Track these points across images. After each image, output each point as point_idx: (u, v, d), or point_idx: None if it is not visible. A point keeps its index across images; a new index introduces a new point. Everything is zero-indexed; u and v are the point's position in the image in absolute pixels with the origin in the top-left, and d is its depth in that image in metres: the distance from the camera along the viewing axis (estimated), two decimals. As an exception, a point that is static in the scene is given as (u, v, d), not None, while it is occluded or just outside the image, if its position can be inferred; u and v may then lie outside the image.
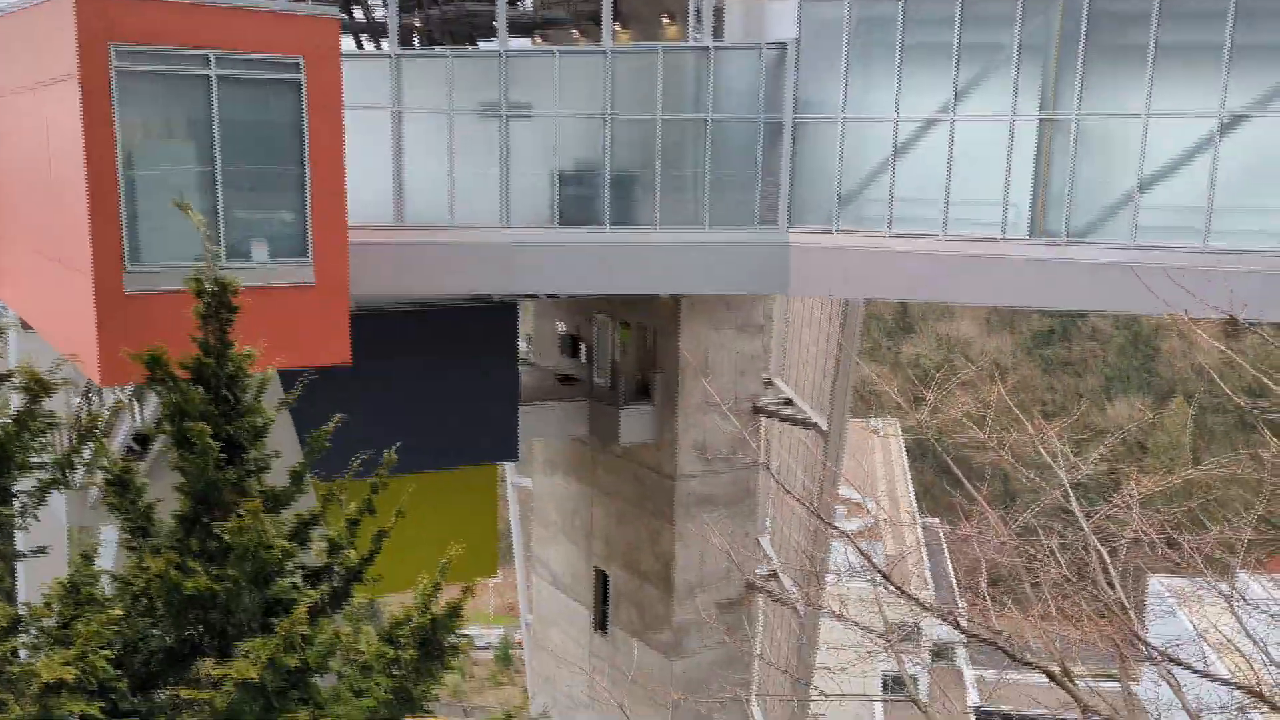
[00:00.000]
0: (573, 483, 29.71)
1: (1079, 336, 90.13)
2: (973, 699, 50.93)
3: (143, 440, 17.93)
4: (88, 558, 7.57)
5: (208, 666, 7.00)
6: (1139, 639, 9.28)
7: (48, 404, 7.96)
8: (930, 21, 19.06)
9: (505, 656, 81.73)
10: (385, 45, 26.47)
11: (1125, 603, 9.39)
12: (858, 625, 11.48)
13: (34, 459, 7.67)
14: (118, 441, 18.10)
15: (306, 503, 9.01)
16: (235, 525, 7.46)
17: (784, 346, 32.22)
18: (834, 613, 11.81)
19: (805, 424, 27.55)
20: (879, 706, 48.98)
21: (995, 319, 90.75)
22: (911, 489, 69.75)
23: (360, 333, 16.32)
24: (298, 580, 8.57)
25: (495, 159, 19.57)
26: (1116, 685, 10.92)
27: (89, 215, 13.54)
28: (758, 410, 26.95)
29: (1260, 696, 8.40)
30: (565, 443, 29.37)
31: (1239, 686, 8.64)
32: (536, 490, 32.36)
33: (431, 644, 7.98)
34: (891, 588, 10.98)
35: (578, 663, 30.06)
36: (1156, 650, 9.22)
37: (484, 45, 25.31)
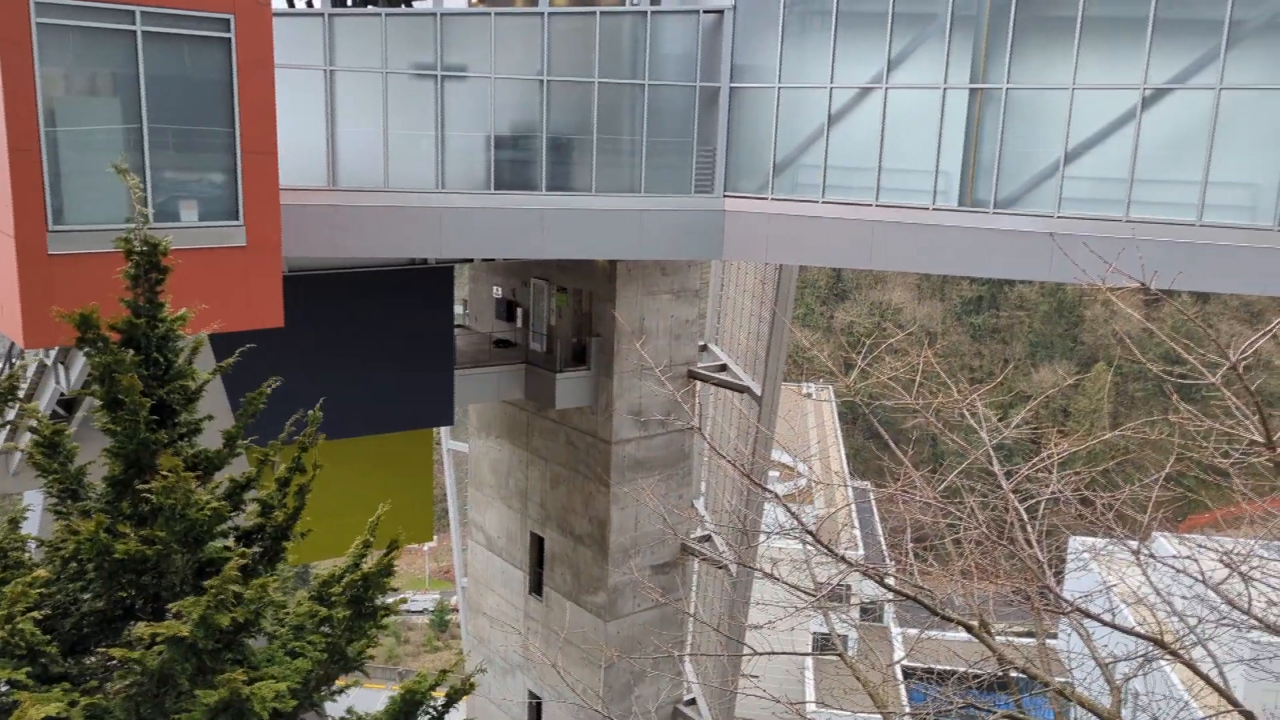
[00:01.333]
0: (508, 447, 29.72)
1: (1006, 304, 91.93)
2: (899, 654, 52.15)
3: (68, 405, 17.57)
4: (14, 523, 7.47)
5: (141, 628, 6.98)
6: (1052, 591, 9.61)
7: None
8: (865, -10, 19.19)
9: (441, 622, 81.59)
10: (317, 3, 25.89)
11: (1041, 559, 9.70)
12: (788, 585, 11.68)
13: (-45, 422, 7.52)
14: (43, 406, 17.71)
15: (240, 466, 8.97)
16: (161, 485, 7.40)
17: (719, 312, 32.42)
18: (765, 573, 11.98)
19: (739, 389, 27.80)
20: (809, 663, 49.94)
21: (926, 286, 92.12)
22: (843, 452, 70.74)
23: (293, 295, 16.21)
24: (230, 542, 8.55)
25: (430, 121, 19.38)
26: (1034, 640, 11.32)
27: (9, 174, 13.21)
28: (693, 375, 27.13)
29: (1162, 645, 8.79)
30: (501, 407, 29.36)
31: (1143, 636, 9.00)
32: (472, 454, 32.31)
33: (363, 602, 8.02)
34: (820, 548, 11.19)
35: (513, 625, 30.22)
36: (1068, 603, 9.56)
37: (418, 5, 24.86)
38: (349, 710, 8.78)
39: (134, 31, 13.95)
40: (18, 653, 6.25)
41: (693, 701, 29.41)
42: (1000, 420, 12.49)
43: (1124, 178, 17.00)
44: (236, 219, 15.39)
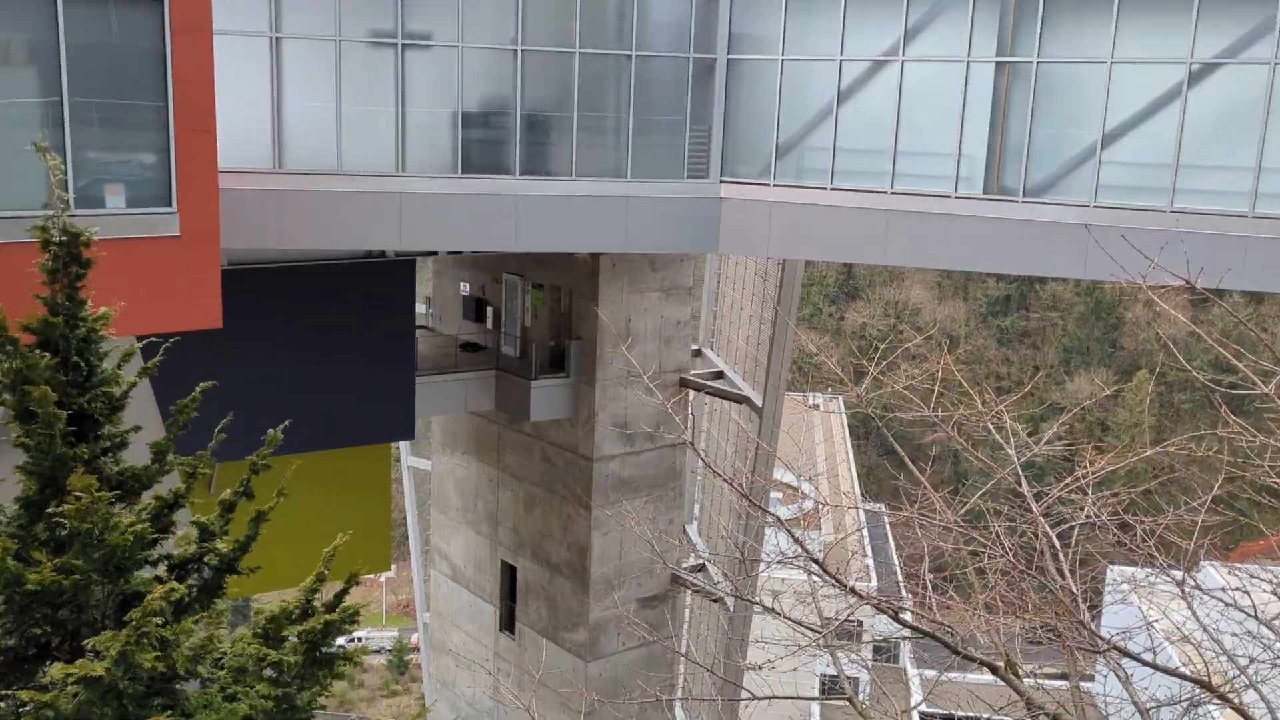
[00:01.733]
0: (476, 464, 29.67)
1: (1037, 304, 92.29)
2: (916, 699, 52.21)
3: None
4: (-86, 548, 7.40)
5: (57, 669, 6.93)
6: (1086, 628, 9.60)
7: None
8: (879, -49, 19.26)
9: (400, 663, 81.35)
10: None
11: (1074, 591, 9.69)
12: (791, 620, 11.64)
13: None
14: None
15: (171, 484, 8.91)
16: (75, 508, 7.34)
17: (715, 313, 32.46)
18: (766, 607, 11.95)
19: (738, 399, 27.82)
20: (815, 708, 49.97)
21: (947, 284, 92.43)
22: (854, 470, 70.96)
23: (233, 291, 16.11)
24: (161, 572, 8.49)
25: (390, 96, 19.34)
26: (1067, 683, 11.32)
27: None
28: (685, 383, 27.14)
29: (1210, 688, 8.78)
30: (468, 419, 29.31)
31: (1188, 678, 9.01)
32: (435, 472, 32.26)
33: (318, 647, 7.98)
34: (828, 578, 11.15)
35: (482, 665, 30.13)
36: (1104, 640, 9.55)
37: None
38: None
39: (52, -8, 13.92)
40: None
41: (684, 751, 29.40)
42: (1030, 435, 12.48)
43: (1168, 163, 17.04)
44: (169, 205, 15.28)
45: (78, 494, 7.27)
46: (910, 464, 11.92)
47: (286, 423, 9.27)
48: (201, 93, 15.35)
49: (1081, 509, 10.70)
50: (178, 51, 14.98)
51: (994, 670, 9.64)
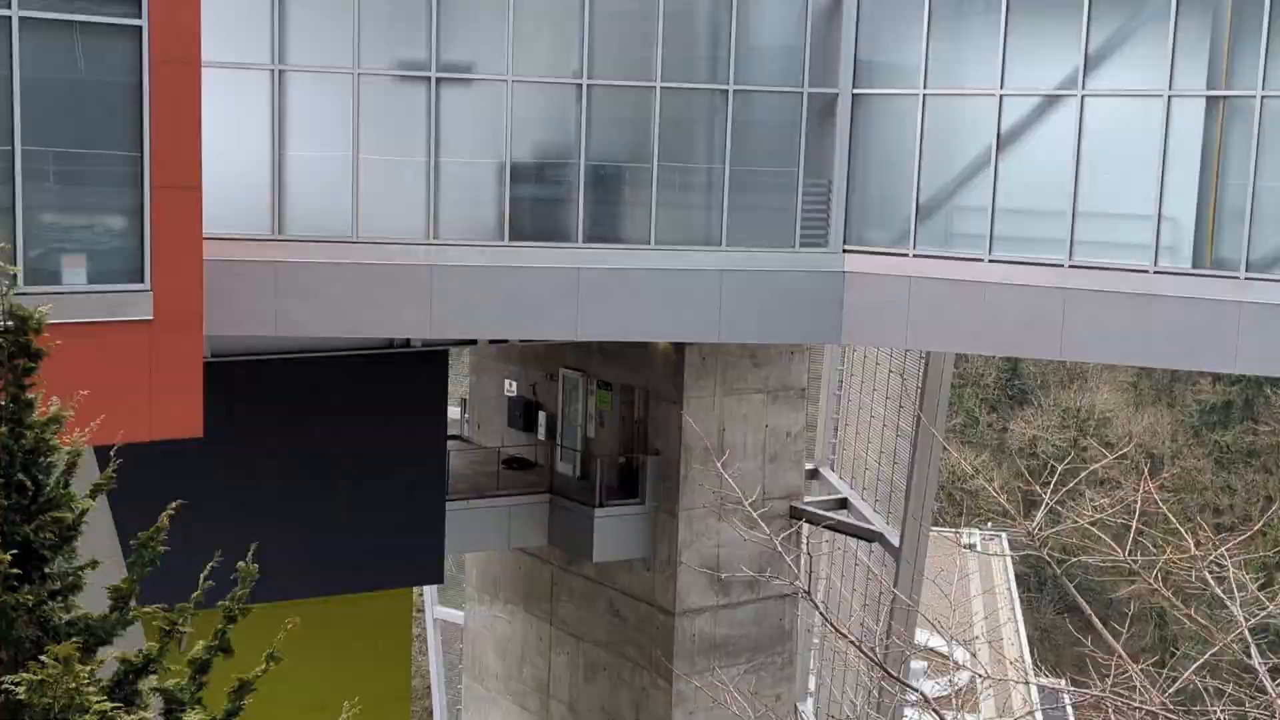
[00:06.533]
0: (522, 617, 29.56)
1: (1268, 413, 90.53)
2: None
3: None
4: None
5: None
6: None
7: None
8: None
9: None
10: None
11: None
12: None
13: None
14: None
15: (135, 639, 9.00)
16: (35, 678, 7.40)
17: (836, 422, 32.29)
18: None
19: (868, 535, 27.54)
20: None
21: (1146, 386, 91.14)
22: (1023, 632, 69.55)
23: (219, 389, 16.30)
24: (120, 758, 8.53)
25: (420, 143, 19.61)
26: None
27: None
28: (796, 513, 26.95)
29: None
30: (514, 558, 29.28)
31: None
32: (470, 627, 32.18)
33: None
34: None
35: None
36: None
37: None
38: None
39: (8, 17, 14.39)
40: None
41: None
42: (1261, 588, 12.26)
43: None
44: (141, 281, 15.49)
45: (44, 659, 7.32)
46: (1100, 625, 11.76)
47: (253, 546, 9.24)
48: (185, 140, 15.55)
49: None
50: (157, 89, 15.23)
51: None
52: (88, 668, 8.25)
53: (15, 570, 8.01)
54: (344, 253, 19.19)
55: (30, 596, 8.02)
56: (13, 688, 7.42)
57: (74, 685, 7.42)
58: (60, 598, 8.36)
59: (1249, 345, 18.45)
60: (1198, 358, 20.12)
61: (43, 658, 7.44)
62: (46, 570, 8.33)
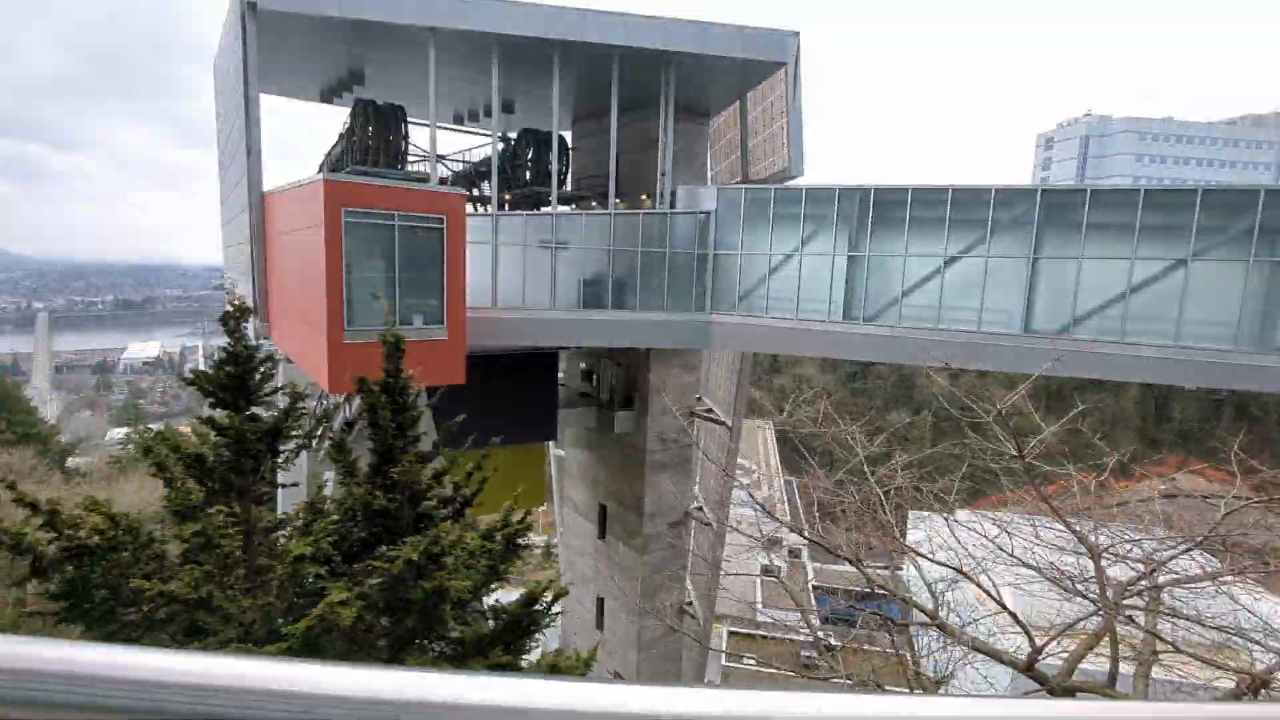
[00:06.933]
0: (586, 452, 29.64)
1: (871, 376, 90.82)
2: (811, 578, 50.54)
3: (350, 424, 17.84)
4: (320, 489, 7.66)
5: (384, 550, 7.09)
6: (897, 540, 9.45)
7: (300, 403, 8.08)
8: (787, 200, 19.38)
9: (548, 553, 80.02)
10: (489, 209, 26.73)
11: (891, 521, 9.56)
12: (746, 535, 11.55)
13: (293, 433, 7.76)
14: (336, 424, 18.02)
15: (440, 462, 9.10)
16: (400, 470, 7.53)
17: (708, 378, 32.41)
18: (733, 528, 11.86)
19: (719, 423, 27.68)
20: (757, 582, 48.60)
21: (825, 364, 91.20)
22: (777, 459, 69.63)
23: (470, 366, 16.35)
24: (435, 504, 8.63)
25: (548, 272, 19.66)
26: (887, 571, 11.06)
27: (326, 298, 13.62)
28: (692, 414, 27.05)
29: (962, 572, 8.61)
30: (583, 431, 29.28)
31: (949, 566, 8.83)
32: (566, 457, 32.21)
33: (512, 541, 8.06)
34: (765, 513, 11.09)
35: (588, 555, 29.81)
36: (908, 548, 9.40)
37: (544, 210, 25.59)
38: (496, 600, 8.77)
39: (393, 225, 14.47)
40: (320, 559, 6.38)
41: (690, 603, 28.74)
42: (868, 441, 12.33)
43: (935, 304, 16.87)
44: (442, 324, 15.64)
45: (403, 464, 7.44)
46: (808, 456, 11.82)
47: (492, 432, 9.38)
48: (458, 271, 15.65)
49: (895, 480, 10.55)
50: (449, 252, 15.29)
51: (852, 563, 9.51)
52: (421, 469, 8.39)
53: (396, 431, 8.10)
54: (518, 314, 19.15)
55: (400, 443, 8.11)
56: (393, 475, 7.51)
57: (416, 473, 7.53)
58: (412, 445, 8.40)
59: (863, 348, 18.29)
60: (844, 353, 19.76)
61: (404, 464, 7.54)
62: (407, 434, 8.42)
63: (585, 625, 30.62)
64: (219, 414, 7.71)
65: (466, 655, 7.28)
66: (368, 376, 7.98)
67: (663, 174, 21.64)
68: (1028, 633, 8.09)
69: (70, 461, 43.47)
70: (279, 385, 8.16)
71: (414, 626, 6.92)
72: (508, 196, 26.17)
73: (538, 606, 8.27)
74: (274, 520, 6.92)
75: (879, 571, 10.40)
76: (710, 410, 28.79)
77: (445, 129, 28.61)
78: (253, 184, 17.25)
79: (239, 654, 0.94)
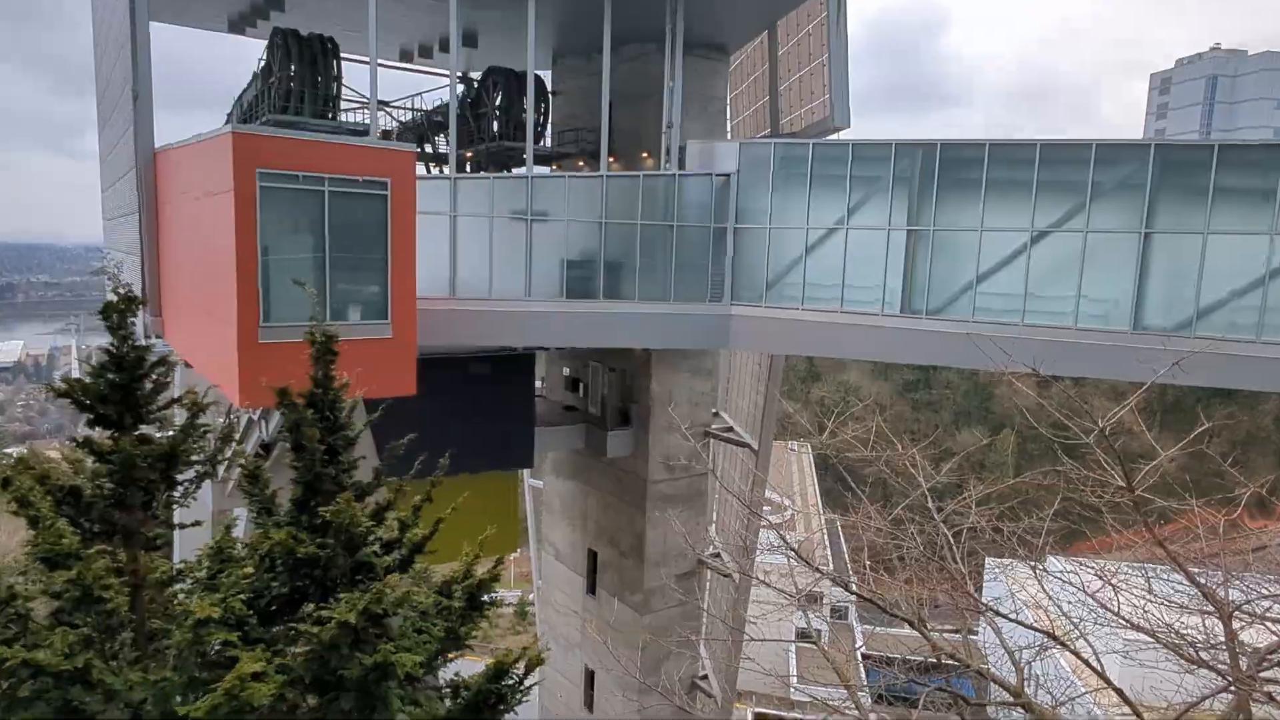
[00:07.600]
0: (572, 482, 29.66)
1: (936, 384, 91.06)
2: (859, 643, 50.60)
3: (266, 447, 17.86)
4: (229, 529, 7.67)
5: (312, 609, 7.10)
6: (971, 597, 9.47)
7: (202, 419, 8.10)
8: (829, 159, 19.29)
9: (522, 612, 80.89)
10: (446, 170, 26.79)
11: (963, 571, 9.58)
12: (777, 589, 11.57)
13: (193, 458, 7.78)
14: (249, 447, 18.02)
15: (382, 494, 9.12)
16: (334, 509, 7.57)
17: (727, 387, 32.42)
18: (760, 580, 11.89)
19: (741, 444, 27.66)
20: (792, 649, 48.57)
21: (876, 370, 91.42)
22: (817, 492, 69.79)
23: (422, 372, 16.29)
24: (377, 549, 8.66)
25: (522, 250, 19.62)
26: (959, 634, 11.08)
27: (236, 285, 13.60)
28: (707, 434, 27.06)
29: (1054, 638, 8.63)
30: (568, 454, 29.33)
31: (1039, 630, 8.85)
32: (546, 488, 32.22)
33: (476, 599, 8.08)
34: (801, 561, 11.10)
35: (574, 615, 29.83)
36: (984, 605, 9.42)
37: (516, 171, 25.65)
38: (455, 673, 8.78)
39: (322, 191, 14.45)
40: (230, 622, 6.39)
41: (705, 676, 28.75)
42: (933, 469, 12.36)
43: (1020, 292, 16.82)
44: (386, 319, 15.57)
45: (337, 500, 7.47)
46: (855, 488, 11.86)
47: (448, 453, 9.37)
48: (407, 249, 15.62)
49: (967, 518, 10.58)
50: (395, 225, 15.27)
51: (911, 624, 9.52)
52: (359, 506, 8.41)
53: (325, 456, 8.14)
54: (483, 305, 19.12)
55: (332, 470, 8.15)
56: (324, 514, 7.56)
57: (352, 512, 7.58)
58: (347, 473, 8.49)
59: (926, 349, 18.43)
60: (901, 356, 19.87)
61: (338, 499, 7.59)
62: (340, 459, 8.46)
63: (570, 704, 30.60)
64: (98, 434, 7.72)
65: (417, 745, 7.28)
66: (290, 386, 7.99)
67: (669, 126, 21.57)
68: (1139, 714, 8.11)
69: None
70: (175, 396, 8.17)
71: (349, 709, 6.93)
72: (470, 154, 26.18)
73: (508, 681, 8.27)
74: (169, 571, 6.93)
75: (947, 636, 10.41)
76: (729, 429, 28.78)
77: (389, 67, 28.63)
78: (140, 138, 17.21)
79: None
